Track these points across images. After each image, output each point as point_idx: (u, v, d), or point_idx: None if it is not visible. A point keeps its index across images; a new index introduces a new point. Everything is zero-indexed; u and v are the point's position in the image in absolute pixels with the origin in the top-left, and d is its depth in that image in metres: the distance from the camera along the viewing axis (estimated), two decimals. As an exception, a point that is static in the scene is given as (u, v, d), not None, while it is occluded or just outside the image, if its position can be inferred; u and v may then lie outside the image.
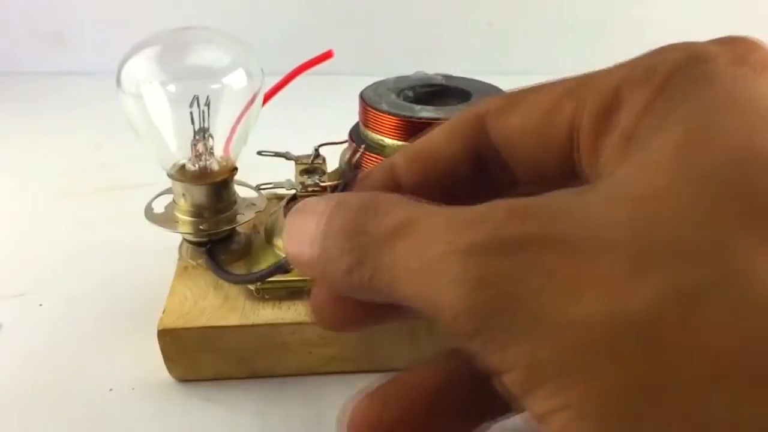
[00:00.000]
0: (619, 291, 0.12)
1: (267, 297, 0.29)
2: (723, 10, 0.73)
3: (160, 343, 0.27)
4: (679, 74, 0.14)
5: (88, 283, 0.36)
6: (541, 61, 0.74)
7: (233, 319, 0.28)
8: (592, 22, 0.78)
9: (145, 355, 0.30)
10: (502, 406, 0.17)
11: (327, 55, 0.32)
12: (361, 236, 0.15)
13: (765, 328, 0.11)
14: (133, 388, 0.29)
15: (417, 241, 0.14)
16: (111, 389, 0.28)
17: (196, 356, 0.28)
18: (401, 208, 0.15)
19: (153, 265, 0.34)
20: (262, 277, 0.28)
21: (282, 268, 0.26)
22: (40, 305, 0.34)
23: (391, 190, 0.18)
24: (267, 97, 0.32)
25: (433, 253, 0.14)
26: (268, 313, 0.28)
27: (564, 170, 0.17)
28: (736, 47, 0.14)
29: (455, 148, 0.18)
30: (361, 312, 0.18)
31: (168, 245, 0.33)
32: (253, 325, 0.28)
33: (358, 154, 0.29)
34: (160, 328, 0.27)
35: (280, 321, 0.28)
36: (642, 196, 0.13)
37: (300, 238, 0.17)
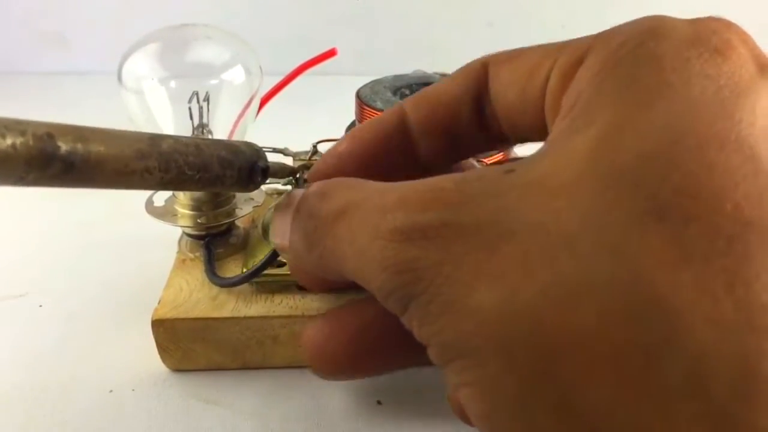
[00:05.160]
0: (511, 282, 0.12)
1: (260, 290, 0.29)
2: (723, 11, 0.73)
3: (153, 333, 0.28)
4: (630, 50, 0.14)
5: (88, 283, 0.36)
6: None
7: (225, 312, 0.28)
8: (592, 23, 0.78)
9: (146, 356, 0.30)
10: None
11: (330, 53, 0.32)
12: (313, 220, 0.17)
13: (641, 333, 0.11)
14: (133, 390, 0.29)
15: (351, 226, 0.15)
16: (111, 390, 0.28)
17: (189, 347, 0.29)
18: (344, 193, 0.16)
19: (153, 265, 0.34)
20: (237, 283, 0.28)
21: (253, 275, 0.27)
22: (40, 306, 0.34)
23: (400, 133, 0.20)
24: (270, 95, 0.32)
25: (363, 238, 0.15)
26: (260, 306, 0.28)
27: (539, 128, 0.17)
28: (700, 27, 0.14)
29: (459, 91, 0.19)
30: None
31: (168, 245, 0.33)
32: (244, 318, 0.28)
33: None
34: (154, 319, 0.28)
35: (271, 314, 0.28)
36: (552, 189, 0.13)
37: (279, 229, 0.19)
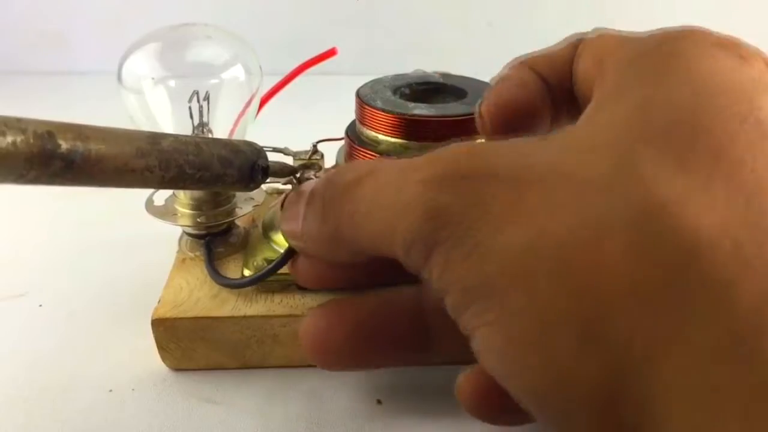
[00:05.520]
0: (538, 223, 0.13)
1: (261, 290, 0.29)
2: (723, 11, 0.73)
3: (153, 333, 0.28)
4: (659, 43, 0.16)
5: (88, 283, 0.36)
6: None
7: (225, 311, 0.28)
8: (592, 23, 0.78)
9: (146, 355, 0.30)
10: (436, 345, 0.20)
11: (330, 53, 0.32)
12: (330, 189, 0.17)
13: (665, 261, 0.12)
14: (133, 389, 0.29)
15: (375, 186, 0.16)
16: (111, 390, 0.28)
17: (189, 346, 0.28)
18: (364, 164, 0.17)
19: (154, 264, 0.34)
20: (245, 284, 0.28)
21: (263, 277, 0.27)
22: (40, 305, 0.34)
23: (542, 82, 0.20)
24: (270, 94, 0.32)
25: (389, 192, 0.15)
26: (260, 306, 0.28)
27: None
28: (726, 39, 0.15)
29: (566, 55, 0.20)
30: (336, 274, 0.20)
31: (169, 244, 0.33)
32: (244, 317, 0.28)
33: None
34: (154, 318, 0.28)
35: (272, 313, 0.28)
36: (586, 147, 0.14)
37: (291, 214, 0.19)
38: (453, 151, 0.15)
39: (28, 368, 0.30)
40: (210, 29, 0.32)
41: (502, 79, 0.21)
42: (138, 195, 0.32)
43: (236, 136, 0.32)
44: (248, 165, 0.24)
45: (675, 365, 0.11)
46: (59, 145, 0.16)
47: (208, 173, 0.22)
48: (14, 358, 0.30)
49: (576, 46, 0.20)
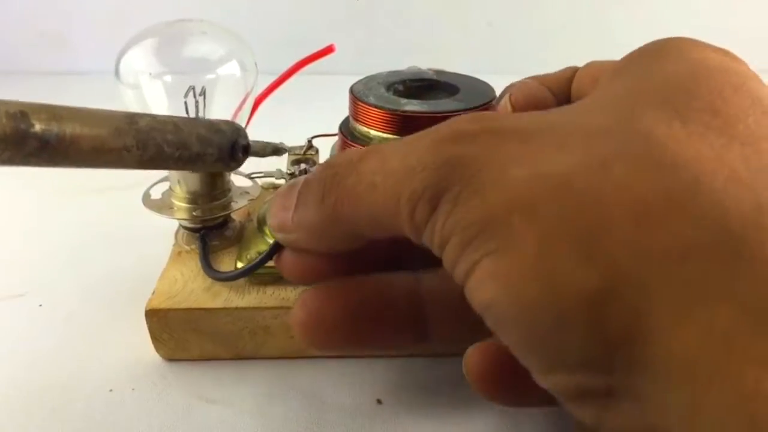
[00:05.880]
0: (543, 161, 0.14)
1: (253, 282, 0.30)
2: (723, 11, 0.73)
3: (147, 323, 0.28)
4: (655, 45, 0.17)
5: (88, 283, 0.36)
6: (540, 61, 0.74)
7: (218, 302, 0.28)
8: (593, 22, 0.78)
9: (146, 355, 0.30)
10: (432, 333, 0.20)
11: (328, 50, 0.32)
12: (331, 168, 0.17)
13: (665, 182, 0.12)
14: (133, 389, 0.29)
15: (380, 158, 0.16)
16: (111, 390, 0.29)
17: (182, 337, 0.29)
18: (368, 147, 0.18)
19: (153, 261, 0.34)
20: (231, 278, 0.29)
21: (249, 271, 0.27)
22: (40, 305, 0.34)
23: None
24: (267, 92, 0.32)
25: (394, 161, 0.16)
26: (252, 297, 0.29)
27: None
28: (713, 45, 0.17)
29: (566, 76, 0.24)
30: (324, 265, 0.20)
31: (167, 237, 0.33)
32: (236, 308, 0.28)
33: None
34: (148, 309, 0.28)
35: (263, 305, 0.28)
36: (589, 109, 0.15)
37: (281, 205, 0.19)
38: (458, 118, 0.16)
39: (27, 368, 0.30)
40: (205, 25, 0.32)
41: (523, 82, 0.24)
42: (137, 195, 0.32)
43: None
44: (228, 143, 0.24)
45: (671, 277, 0.12)
46: (32, 125, 0.16)
47: (188, 152, 0.22)
48: (14, 358, 0.30)
49: (574, 70, 0.23)
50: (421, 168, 0.15)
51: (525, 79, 0.25)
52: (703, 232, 0.12)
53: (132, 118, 0.19)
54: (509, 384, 0.19)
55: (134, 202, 0.32)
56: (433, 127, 0.16)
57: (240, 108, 0.31)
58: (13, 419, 0.27)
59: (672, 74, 0.15)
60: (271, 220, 0.19)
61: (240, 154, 0.24)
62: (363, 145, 0.29)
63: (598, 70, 0.22)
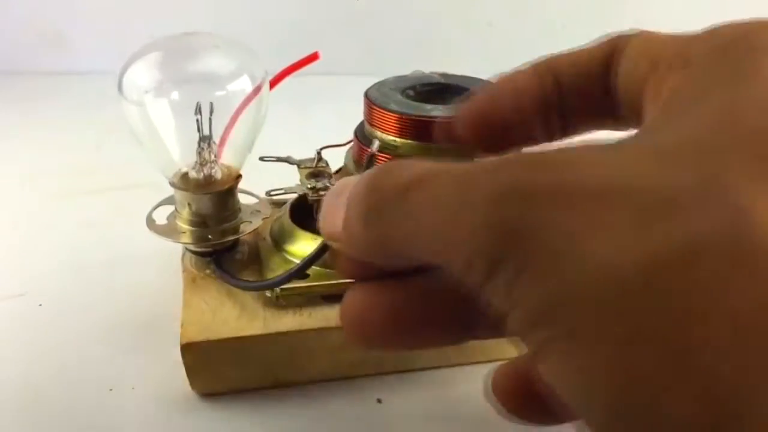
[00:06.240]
0: (617, 239, 0.12)
1: (284, 304, 0.28)
2: (731, 10, 0.73)
3: (183, 358, 0.27)
4: (733, 41, 0.15)
5: (88, 283, 0.36)
6: (541, 61, 0.74)
7: (257, 329, 0.27)
8: (593, 22, 0.78)
9: (145, 354, 0.30)
10: (483, 325, 0.18)
11: (313, 57, 0.31)
12: (377, 193, 0.16)
13: (762, 290, 0.11)
14: (133, 388, 0.29)
15: (432, 194, 0.15)
16: (111, 389, 0.28)
17: (219, 368, 0.27)
18: (417, 166, 0.16)
19: (153, 264, 0.34)
20: (280, 282, 0.27)
21: (295, 274, 0.26)
22: (40, 305, 0.34)
23: (540, 89, 0.19)
24: (246, 102, 0.30)
25: (448, 204, 0.14)
26: (290, 320, 0.27)
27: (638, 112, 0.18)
28: None
29: (594, 53, 0.19)
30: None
31: (167, 245, 0.33)
32: (278, 334, 0.27)
33: (370, 155, 0.29)
34: (184, 342, 0.26)
35: (306, 327, 0.27)
36: (669, 154, 0.13)
37: (330, 215, 0.18)
38: (517, 164, 0.14)
39: (27, 368, 0.30)
40: (214, 38, 0.30)
41: (492, 87, 0.20)
42: (137, 196, 0.32)
43: (243, 148, 0.31)
44: None
45: None
46: None
47: None
48: (14, 358, 0.30)
49: (612, 46, 0.18)
50: (480, 224, 0.13)
51: (535, 61, 0.20)
52: None
53: None
54: (541, 405, 0.18)
55: (134, 202, 0.32)
56: (486, 170, 0.14)
57: (235, 118, 0.30)
58: (14, 419, 0.27)
59: (761, 109, 0.13)
60: (322, 226, 0.18)
61: None
62: (388, 154, 0.29)
63: (658, 54, 0.17)
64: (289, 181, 0.35)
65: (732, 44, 0.15)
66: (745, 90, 0.13)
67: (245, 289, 0.28)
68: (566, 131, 0.20)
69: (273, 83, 0.31)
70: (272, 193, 0.33)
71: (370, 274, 0.19)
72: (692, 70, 0.15)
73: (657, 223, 0.12)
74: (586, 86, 0.19)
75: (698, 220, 0.11)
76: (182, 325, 0.27)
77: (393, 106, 0.29)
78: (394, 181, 0.16)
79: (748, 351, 0.11)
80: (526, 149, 0.21)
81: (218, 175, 0.30)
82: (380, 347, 0.20)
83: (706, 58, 0.15)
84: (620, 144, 0.14)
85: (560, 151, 0.14)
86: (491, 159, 0.14)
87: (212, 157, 0.30)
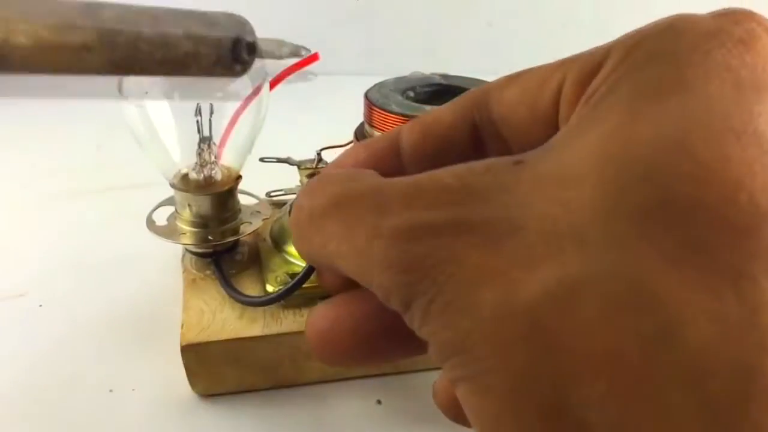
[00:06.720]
0: (512, 280, 0.12)
1: (286, 306, 0.28)
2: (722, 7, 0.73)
3: (183, 359, 0.27)
4: (646, 48, 0.14)
5: (88, 283, 0.36)
6: (540, 61, 0.74)
7: (256, 330, 0.27)
8: (592, 22, 0.78)
9: (145, 355, 0.30)
10: None
11: (312, 58, 0.31)
12: (298, 212, 0.16)
13: (639, 326, 0.11)
14: (133, 389, 0.29)
15: (346, 222, 0.15)
16: (111, 390, 0.28)
17: (219, 370, 0.28)
18: (332, 187, 0.16)
19: (153, 264, 0.34)
20: (274, 300, 0.27)
21: (286, 294, 0.26)
22: (40, 306, 0.34)
23: (394, 156, 0.19)
24: (246, 103, 0.31)
25: (361, 235, 0.14)
26: (291, 322, 0.28)
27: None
28: (722, 19, 0.14)
29: (454, 117, 0.19)
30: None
31: (167, 246, 0.33)
32: (278, 335, 0.27)
33: None
34: (184, 344, 0.26)
35: (304, 329, 0.27)
36: (563, 181, 0.13)
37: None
38: (427, 192, 0.14)
39: (28, 368, 0.30)
40: None
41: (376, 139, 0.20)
42: (137, 196, 0.32)
43: (243, 149, 0.30)
44: (229, 41, 0.19)
45: None
46: None
47: (174, 52, 0.17)
48: (14, 358, 0.30)
49: (484, 92, 0.18)
50: (387, 265, 0.14)
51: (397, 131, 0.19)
52: (682, 400, 0.10)
53: (90, 7, 0.15)
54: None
55: (134, 202, 0.32)
56: (401, 197, 0.14)
57: (235, 118, 0.30)
58: (14, 419, 0.27)
59: (661, 124, 0.12)
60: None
61: (245, 54, 0.20)
62: None
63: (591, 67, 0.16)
64: (289, 181, 0.35)
65: (646, 52, 0.14)
66: (647, 108, 0.13)
67: (242, 303, 0.28)
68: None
69: (273, 83, 0.31)
70: (272, 194, 0.33)
71: (346, 285, 0.19)
72: (603, 80, 0.14)
73: (542, 264, 0.12)
74: (446, 147, 0.19)
75: (580, 258, 0.12)
76: (182, 327, 0.27)
77: (393, 108, 0.29)
78: (311, 202, 0.16)
79: (624, 398, 0.11)
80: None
81: (218, 176, 0.30)
82: (351, 362, 0.20)
83: (616, 69, 0.14)
84: (525, 158, 0.14)
85: (467, 175, 0.14)
86: (409, 184, 0.15)
87: (212, 158, 0.30)
